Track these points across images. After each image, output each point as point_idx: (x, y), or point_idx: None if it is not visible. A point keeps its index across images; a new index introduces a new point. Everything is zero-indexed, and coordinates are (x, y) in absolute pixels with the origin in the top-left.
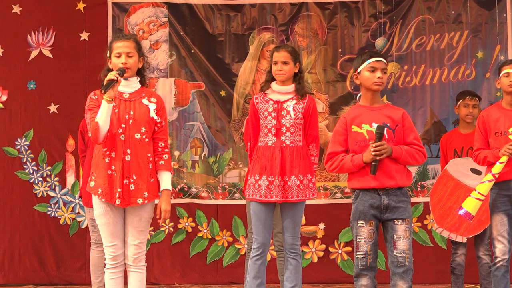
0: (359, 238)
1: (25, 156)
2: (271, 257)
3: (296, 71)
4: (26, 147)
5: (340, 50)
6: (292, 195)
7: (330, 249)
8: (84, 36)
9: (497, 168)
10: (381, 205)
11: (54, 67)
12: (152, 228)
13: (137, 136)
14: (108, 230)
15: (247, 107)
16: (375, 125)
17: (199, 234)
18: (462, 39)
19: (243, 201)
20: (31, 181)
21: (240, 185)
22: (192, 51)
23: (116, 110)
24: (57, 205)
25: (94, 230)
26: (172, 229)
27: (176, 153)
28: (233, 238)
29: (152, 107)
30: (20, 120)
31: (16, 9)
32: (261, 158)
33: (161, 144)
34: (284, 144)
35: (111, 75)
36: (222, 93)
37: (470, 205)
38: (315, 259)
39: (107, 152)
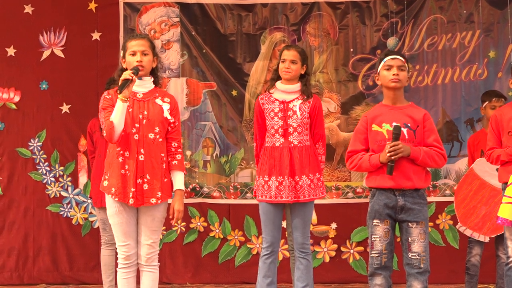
0: (374, 237)
1: (38, 156)
2: (283, 256)
3: (303, 72)
4: (39, 147)
5: (351, 49)
6: (304, 195)
7: (342, 249)
8: (95, 36)
9: None
10: (396, 206)
11: (66, 67)
12: (164, 227)
13: (151, 136)
14: (121, 229)
15: None
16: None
17: (211, 234)
18: (474, 38)
19: (255, 201)
20: (44, 181)
21: (251, 185)
22: (204, 50)
23: (130, 110)
24: (69, 205)
25: (105, 231)
26: (184, 229)
27: (188, 152)
28: (245, 237)
29: (166, 107)
30: (33, 120)
31: (28, 9)
32: (269, 159)
33: (174, 144)
34: (292, 145)
35: (126, 75)
36: (234, 92)
37: (506, 211)
38: (327, 259)
39: (121, 152)
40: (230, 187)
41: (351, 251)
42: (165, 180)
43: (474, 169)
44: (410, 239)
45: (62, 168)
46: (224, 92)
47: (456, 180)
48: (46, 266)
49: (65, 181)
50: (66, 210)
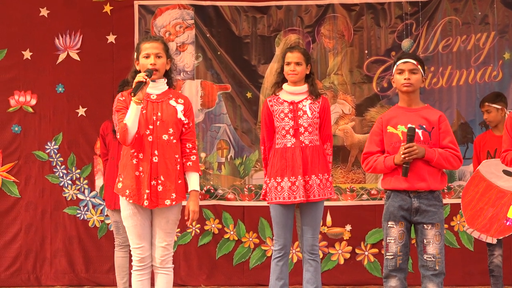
0: (389, 239)
1: (55, 159)
2: (297, 258)
3: (308, 72)
4: (55, 150)
5: (366, 51)
6: (314, 194)
7: (357, 251)
8: (111, 38)
9: None
10: (411, 208)
11: (82, 70)
12: (178, 229)
13: (165, 137)
14: (136, 232)
15: None
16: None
17: (226, 236)
18: (488, 40)
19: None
20: (61, 184)
21: None
22: (218, 53)
23: (144, 112)
24: (86, 208)
25: (118, 233)
26: (198, 231)
27: (203, 154)
28: (259, 239)
29: (180, 108)
30: (50, 123)
31: (44, 12)
32: (280, 160)
33: (188, 145)
34: (303, 144)
35: (140, 77)
36: (248, 94)
37: None
38: (342, 261)
39: (135, 154)
40: (245, 189)
41: (366, 253)
42: (180, 181)
43: (481, 171)
44: (425, 241)
45: (78, 171)
46: (239, 94)
47: None
48: (63, 268)
49: (81, 184)
50: (83, 212)
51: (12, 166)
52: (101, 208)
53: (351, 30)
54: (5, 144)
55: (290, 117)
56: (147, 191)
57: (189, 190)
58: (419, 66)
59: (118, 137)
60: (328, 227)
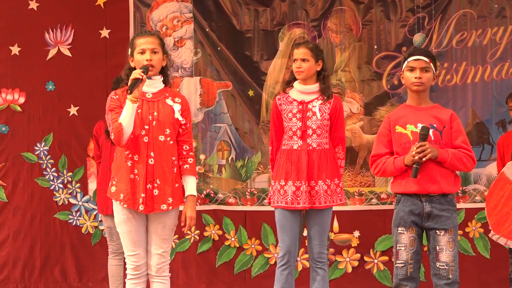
0: (399, 246)
1: (45, 161)
2: (302, 266)
3: (319, 69)
4: (45, 152)
5: (375, 46)
6: (319, 201)
7: (366, 258)
8: (104, 33)
9: None
10: (423, 212)
11: (74, 67)
12: (176, 236)
13: (161, 138)
14: (130, 238)
15: None
16: (420, 126)
17: (226, 243)
18: (506, 34)
19: (272, 208)
20: (51, 188)
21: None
22: (219, 48)
23: (139, 111)
24: (78, 213)
25: (111, 239)
26: (197, 237)
27: (202, 156)
28: (262, 246)
29: (177, 107)
30: (39, 123)
31: (33, 5)
32: (286, 163)
33: (185, 147)
34: (310, 147)
35: (136, 74)
36: (250, 92)
37: None
38: (350, 269)
39: (130, 155)
40: (247, 193)
41: (375, 261)
42: (176, 185)
43: (505, 173)
44: (438, 248)
45: (70, 173)
46: (240, 92)
47: (487, 185)
48: (54, 277)
49: (73, 188)
50: (75, 218)
51: None
52: (94, 213)
53: (359, 24)
54: None
55: (298, 117)
56: (142, 195)
57: (186, 195)
58: (431, 64)
59: (112, 137)
60: (335, 234)
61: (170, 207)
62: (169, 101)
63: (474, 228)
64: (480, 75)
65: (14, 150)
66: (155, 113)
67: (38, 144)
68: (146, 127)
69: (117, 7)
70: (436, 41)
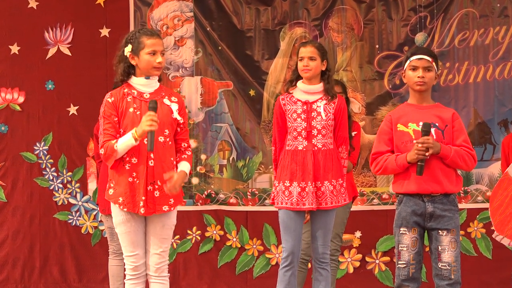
0: (401, 246)
1: (44, 161)
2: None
3: (324, 68)
4: (45, 151)
5: (377, 46)
6: (326, 202)
7: (367, 259)
8: (104, 32)
9: None
10: (425, 213)
11: (73, 66)
12: (178, 236)
13: (161, 139)
14: (129, 239)
15: None
16: (422, 125)
17: (228, 243)
18: (508, 34)
19: (274, 208)
20: (51, 188)
21: (270, 191)
22: (219, 47)
23: (138, 113)
24: (78, 213)
25: (112, 240)
26: (199, 238)
27: (203, 156)
28: (263, 247)
29: (175, 107)
30: (39, 123)
31: (33, 3)
32: (290, 163)
33: (184, 145)
34: (316, 148)
35: (148, 125)
36: (252, 92)
37: None
38: (351, 270)
39: (127, 158)
40: (248, 193)
41: (377, 261)
42: None
43: (510, 173)
44: (440, 248)
45: (70, 173)
46: (241, 92)
47: (489, 185)
48: (54, 278)
49: (73, 188)
50: (75, 218)
51: None
52: (94, 213)
53: (361, 23)
54: None
55: (303, 118)
56: (143, 198)
57: (178, 171)
58: (433, 63)
59: (101, 152)
60: None
61: (172, 208)
62: (166, 101)
63: (476, 228)
64: (482, 75)
65: (14, 150)
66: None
67: (37, 144)
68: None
69: (117, 6)
70: (438, 41)
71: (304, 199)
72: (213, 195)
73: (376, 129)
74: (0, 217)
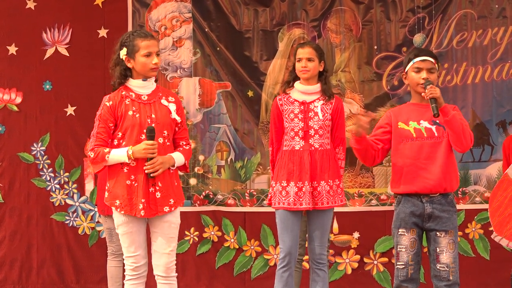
0: (400, 247)
1: (42, 162)
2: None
3: (321, 69)
4: (42, 152)
5: (375, 47)
6: (322, 202)
7: (365, 260)
8: (102, 33)
9: None
10: (424, 213)
11: (71, 66)
12: None
13: (160, 140)
14: (130, 239)
15: None
16: (423, 123)
17: (226, 244)
18: (506, 35)
19: (272, 209)
20: (48, 188)
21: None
22: (218, 48)
23: (137, 115)
24: (75, 214)
25: (111, 241)
26: (197, 239)
27: (201, 157)
28: (261, 248)
29: (173, 107)
30: (36, 123)
31: (31, 4)
32: (287, 163)
33: (182, 143)
34: (313, 148)
35: (144, 154)
36: (250, 93)
37: None
38: (349, 271)
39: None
40: (246, 194)
41: (375, 262)
42: (176, 184)
43: (509, 174)
44: (438, 249)
45: (67, 174)
46: (240, 93)
47: (487, 186)
48: (51, 279)
49: (70, 188)
50: (72, 219)
51: None
52: (91, 214)
53: (359, 24)
54: None
55: (300, 118)
56: (142, 200)
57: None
58: (436, 65)
59: (91, 155)
60: (335, 235)
61: (173, 208)
62: (164, 102)
63: (474, 229)
64: (481, 76)
65: (11, 150)
66: (153, 116)
67: (34, 144)
68: (145, 130)
69: (115, 7)
70: (437, 42)
71: (301, 199)
72: (211, 196)
73: None
74: None
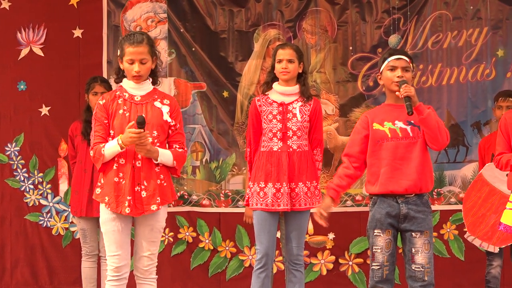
0: (375, 248)
1: (16, 162)
2: (277, 269)
3: (300, 71)
4: (16, 152)
5: (351, 48)
6: (300, 203)
7: (340, 260)
8: (77, 33)
9: None
10: (399, 214)
11: (46, 67)
12: None
13: (149, 140)
14: (113, 238)
15: None
16: (398, 123)
17: (201, 245)
18: (481, 36)
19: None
20: (22, 189)
21: (244, 192)
22: (193, 49)
23: (127, 114)
24: (49, 214)
25: (85, 241)
26: (171, 239)
27: None
28: (236, 249)
29: (165, 109)
30: (10, 123)
31: (5, 4)
32: (265, 164)
33: (176, 147)
34: (291, 149)
35: (129, 142)
36: (225, 93)
37: (509, 218)
38: (324, 272)
39: (115, 158)
40: (221, 194)
41: (350, 263)
42: (165, 184)
43: (483, 174)
44: (413, 250)
45: (41, 174)
46: (215, 93)
47: (462, 187)
48: (25, 279)
49: (44, 189)
50: (46, 219)
51: None
52: (65, 214)
53: (334, 25)
54: None
55: (278, 119)
56: (128, 197)
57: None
58: (411, 64)
59: (91, 154)
60: (310, 236)
61: (160, 207)
62: (157, 104)
63: (449, 230)
64: (456, 77)
65: None
66: (144, 115)
67: (8, 145)
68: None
69: (90, 7)
70: (412, 43)
71: (279, 200)
72: (186, 197)
73: (350, 130)
74: None
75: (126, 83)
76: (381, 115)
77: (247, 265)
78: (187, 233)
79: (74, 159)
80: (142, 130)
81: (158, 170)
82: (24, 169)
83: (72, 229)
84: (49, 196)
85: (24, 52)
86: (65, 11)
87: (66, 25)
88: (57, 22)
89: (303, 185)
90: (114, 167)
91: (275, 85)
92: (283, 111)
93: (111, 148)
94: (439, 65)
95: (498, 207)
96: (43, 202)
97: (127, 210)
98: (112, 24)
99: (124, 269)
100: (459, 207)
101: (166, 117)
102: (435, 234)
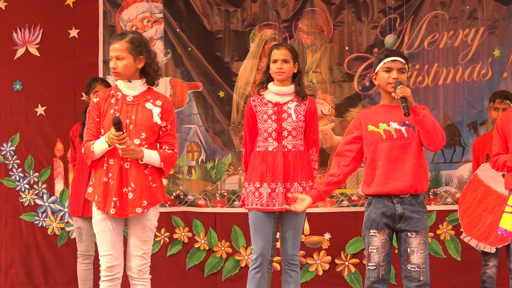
0: (371, 248)
1: (11, 162)
2: (273, 269)
3: (295, 71)
4: (12, 152)
5: (347, 48)
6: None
7: (336, 261)
8: (73, 33)
9: None
10: (395, 214)
11: (42, 66)
12: None
13: (136, 142)
14: (105, 238)
15: None
16: (392, 124)
17: (196, 245)
18: (477, 36)
19: (243, 210)
20: (18, 188)
21: (239, 192)
22: (189, 49)
23: (117, 115)
24: (44, 214)
25: (81, 240)
26: (167, 240)
27: None
28: (232, 249)
29: (156, 111)
30: (6, 123)
31: (1, 4)
32: (261, 164)
33: (165, 147)
34: (286, 149)
35: (114, 143)
36: (221, 93)
37: (507, 222)
38: (320, 272)
39: (105, 159)
40: (217, 194)
41: (346, 263)
42: (154, 185)
43: (479, 175)
44: (409, 250)
45: (37, 174)
46: (211, 93)
47: (458, 187)
48: (20, 279)
49: (40, 188)
50: (41, 219)
51: None
52: (61, 214)
53: (330, 25)
54: None
55: (273, 119)
56: (114, 198)
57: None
58: (406, 66)
59: (82, 151)
60: (306, 236)
61: (145, 210)
62: (148, 105)
63: (445, 230)
64: (452, 77)
65: None
66: (133, 117)
67: (4, 144)
68: (123, 131)
69: (86, 7)
70: (408, 43)
71: (274, 200)
72: (182, 197)
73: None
74: None
75: (119, 82)
76: (376, 116)
77: (243, 265)
78: (183, 233)
79: (75, 161)
80: (121, 133)
81: (147, 172)
82: (20, 169)
83: (67, 229)
84: (45, 196)
85: (20, 52)
86: (61, 11)
87: (62, 25)
88: (53, 22)
89: (298, 185)
90: (104, 167)
91: (270, 85)
92: (278, 111)
93: (100, 145)
94: (435, 65)
95: (494, 207)
96: (38, 202)
97: (112, 211)
98: (108, 24)
99: (117, 268)
100: (456, 207)
101: (156, 118)
102: (431, 234)
